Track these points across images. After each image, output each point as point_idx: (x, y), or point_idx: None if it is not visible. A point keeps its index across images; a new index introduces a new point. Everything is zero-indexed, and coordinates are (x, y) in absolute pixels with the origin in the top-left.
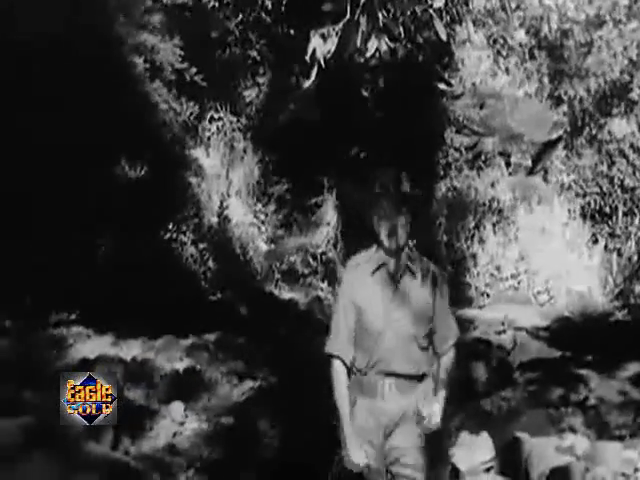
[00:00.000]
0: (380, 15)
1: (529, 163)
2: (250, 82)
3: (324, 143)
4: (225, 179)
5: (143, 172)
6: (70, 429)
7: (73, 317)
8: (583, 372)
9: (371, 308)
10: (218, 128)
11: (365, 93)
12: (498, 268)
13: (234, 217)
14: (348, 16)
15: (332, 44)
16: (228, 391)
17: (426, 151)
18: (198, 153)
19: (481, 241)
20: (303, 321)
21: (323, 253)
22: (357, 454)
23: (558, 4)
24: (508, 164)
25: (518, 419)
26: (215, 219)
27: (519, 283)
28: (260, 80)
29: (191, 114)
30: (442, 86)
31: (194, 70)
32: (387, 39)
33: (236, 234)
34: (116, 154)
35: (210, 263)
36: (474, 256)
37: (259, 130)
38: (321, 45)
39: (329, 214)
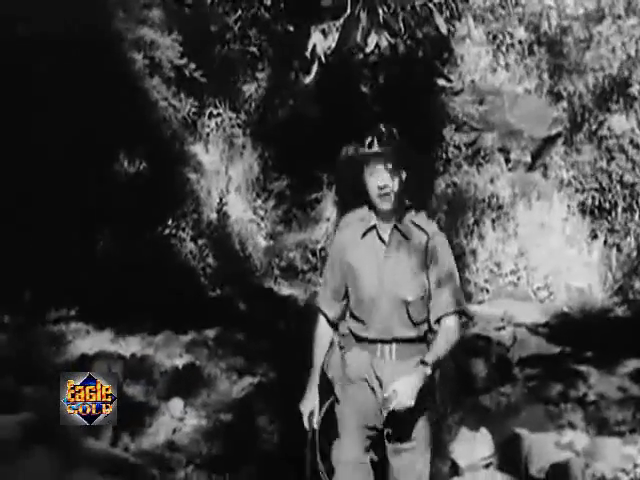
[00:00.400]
0: (380, 10)
1: (528, 159)
2: (249, 77)
3: (324, 139)
4: (224, 175)
5: (142, 168)
6: (69, 425)
7: (72, 313)
8: (583, 368)
9: (363, 272)
10: (217, 124)
11: (365, 89)
12: (497, 264)
13: (233, 213)
14: (348, 12)
15: (332, 40)
16: (228, 387)
17: (425, 147)
18: (197, 149)
19: (480, 237)
20: (302, 317)
21: (322, 249)
22: (308, 404)
23: (557, 0)
24: (507, 160)
25: (517, 415)
26: (214, 215)
27: (518, 279)
28: (259, 75)
29: (190, 110)
30: (442, 82)
31: (193, 66)
32: (387, 35)
33: (235, 230)
34: (115, 150)
35: (209, 259)
36: (473, 252)
37: (258, 126)
38: (321, 41)
39: (329, 210)
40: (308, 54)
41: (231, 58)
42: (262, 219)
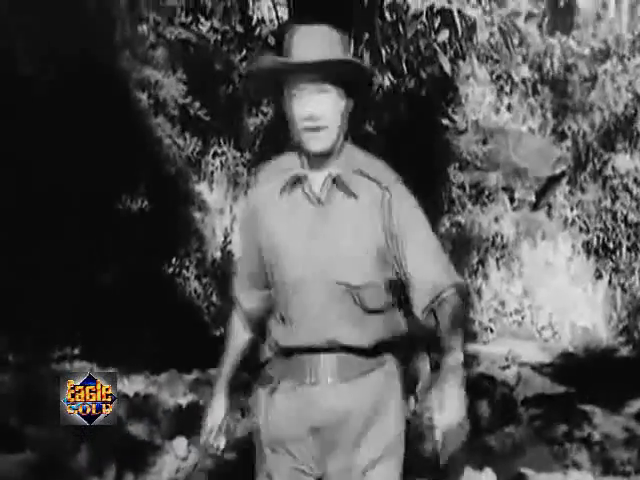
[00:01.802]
0: (383, 51)
1: (533, 198)
2: (253, 115)
3: None
4: (229, 213)
5: (146, 207)
6: (72, 464)
7: (76, 352)
8: (588, 408)
9: (285, 245)
10: (222, 163)
11: (369, 128)
12: (502, 303)
13: (238, 252)
14: (351, 51)
15: None
16: (232, 426)
17: (430, 187)
18: (202, 188)
19: (485, 276)
20: None
21: None
22: (210, 419)
23: (561, 40)
24: (512, 199)
25: (523, 455)
26: (219, 254)
27: (523, 318)
28: (264, 109)
29: (195, 149)
30: (446, 121)
31: (198, 105)
32: (390, 75)
33: None
34: (119, 188)
35: (214, 298)
36: (478, 291)
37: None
38: None
39: None
40: None
41: (235, 97)
42: None
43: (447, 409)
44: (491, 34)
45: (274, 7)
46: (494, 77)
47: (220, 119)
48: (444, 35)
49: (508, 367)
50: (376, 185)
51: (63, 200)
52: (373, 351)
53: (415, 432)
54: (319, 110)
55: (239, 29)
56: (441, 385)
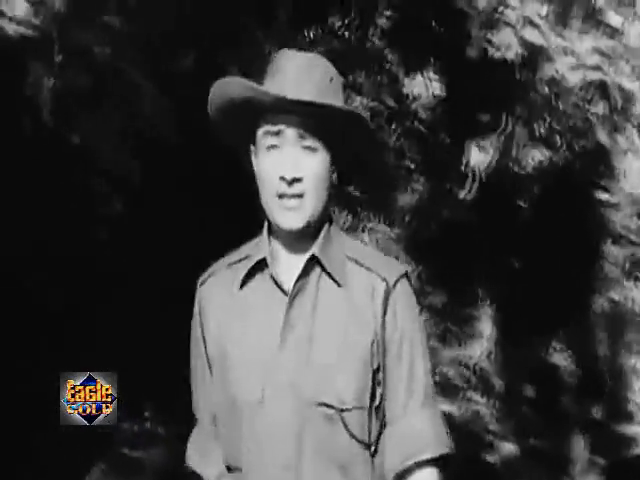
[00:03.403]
0: (536, 125)
1: None
2: (404, 190)
3: (479, 255)
4: None
5: None
6: None
7: None
8: None
9: (237, 354)
10: (374, 239)
11: (520, 202)
12: None
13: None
14: (504, 126)
15: (489, 155)
16: None
17: (582, 262)
18: None
19: None
20: (459, 434)
21: (479, 365)
22: None
23: None
24: None
25: None
26: None
27: None
28: (415, 186)
29: (345, 223)
30: (600, 195)
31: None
32: (544, 149)
33: None
34: None
35: None
36: (634, 370)
37: (413, 240)
38: (478, 156)
39: (486, 326)
40: (464, 168)
41: (386, 172)
42: None
43: None
44: None
45: (426, 82)
46: None
47: (370, 194)
48: (599, 107)
49: None
50: (376, 277)
51: None
52: None
53: None
54: (300, 170)
55: (390, 104)
56: None
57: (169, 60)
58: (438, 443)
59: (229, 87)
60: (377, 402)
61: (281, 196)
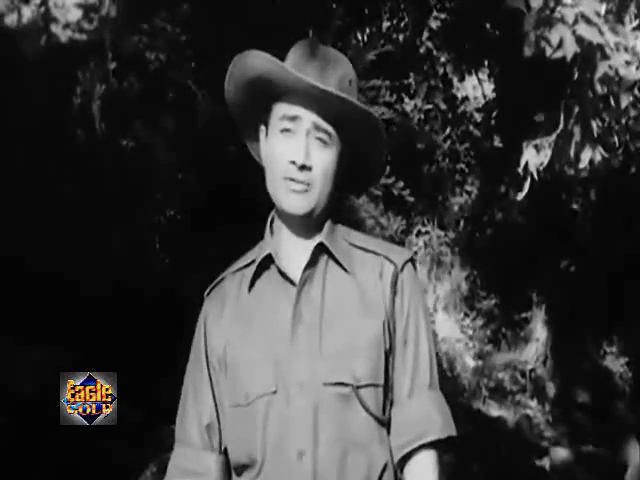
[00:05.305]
0: (594, 124)
1: None
2: (458, 193)
3: (533, 257)
4: (432, 294)
5: None
6: None
7: None
8: None
9: (247, 349)
10: (425, 242)
11: (576, 206)
12: None
13: (441, 332)
14: (561, 126)
15: (545, 156)
16: None
17: (638, 267)
18: None
19: None
20: (513, 440)
21: (532, 370)
22: None
23: None
24: None
25: None
26: None
27: None
28: (469, 189)
29: (398, 228)
30: None
31: (401, 184)
32: (602, 149)
33: (443, 349)
34: None
35: None
36: None
37: (467, 244)
38: (534, 157)
39: (538, 330)
40: (520, 170)
41: (439, 176)
42: (470, 338)
43: None
44: None
45: (479, 84)
46: None
47: (423, 198)
48: None
49: None
50: (385, 260)
51: None
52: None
53: None
54: (309, 158)
55: (443, 107)
56: None
57: (224, 66)
58: (445, 426)
59: (253, 60)
60: (391, 381)
61: (289, 179)
